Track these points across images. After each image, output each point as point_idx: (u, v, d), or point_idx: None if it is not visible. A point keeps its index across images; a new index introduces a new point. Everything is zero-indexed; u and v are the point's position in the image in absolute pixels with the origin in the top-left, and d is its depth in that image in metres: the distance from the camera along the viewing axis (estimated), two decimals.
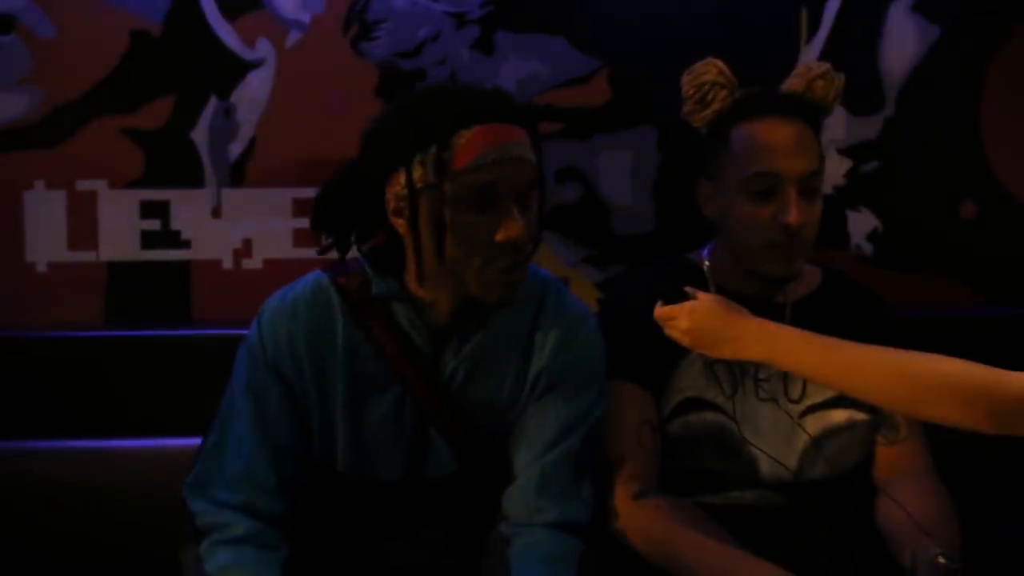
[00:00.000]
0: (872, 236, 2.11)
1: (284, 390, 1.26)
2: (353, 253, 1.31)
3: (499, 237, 1.16)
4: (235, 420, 1.27)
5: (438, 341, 1.27)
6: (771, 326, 1.19)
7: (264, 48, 1.99)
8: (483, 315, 1.26)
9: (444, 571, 1.27)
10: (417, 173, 1.16)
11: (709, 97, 1.41)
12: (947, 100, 2.10)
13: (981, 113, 2.12)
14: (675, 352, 1.39)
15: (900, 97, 2.09)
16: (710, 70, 1.41)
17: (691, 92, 1.42)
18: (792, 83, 1.43)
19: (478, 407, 1.26)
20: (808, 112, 1.40)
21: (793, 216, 1.34)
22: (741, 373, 1.41)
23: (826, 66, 1.43)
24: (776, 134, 1.36)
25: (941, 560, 1.16)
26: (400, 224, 1.21)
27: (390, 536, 1.28)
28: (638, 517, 1.31)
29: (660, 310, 1.24)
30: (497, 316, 1.27)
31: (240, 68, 1.98)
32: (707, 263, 1.48)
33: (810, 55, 2.04)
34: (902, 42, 2.08)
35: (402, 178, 1.17)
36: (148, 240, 1.98)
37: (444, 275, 1.21)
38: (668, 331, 1.24)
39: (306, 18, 1.99)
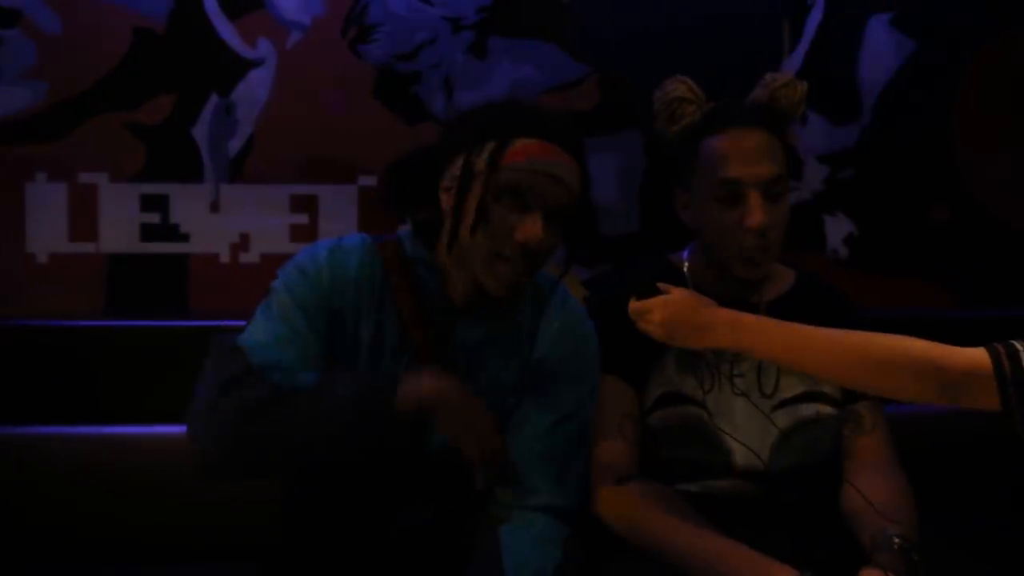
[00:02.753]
0: (848, 240, 2.18)
1: (330, 317, 1.30)
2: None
3: (517, 235, 1.25)
4: (279, 322, 1.28)
5: (453, 318, 1.33)
6: (737, 315, 1.24)
7: (265, 48, 2.02)
8: (498, 302, 1.33)
9: (438, 553, 1.31)
10: (474, 159, 1.27)
11: (678, 112, 1.47)
12: (920, 111, 2.17)
13: (952, 124, 2.20)
14: (655, 349, 1.45)
15: (876, 108, 2.16)
16: (679, 87, 1.47)
17: (661, 108, 1.49)
18: (757, 94, 1.49)
19: (480, 388, 1.32)
20: (771, 120, 1.45)
21: (756, 218, 1.40)
22: (717, 369, 1.47)
23: (788, 75, 1.48)
24: (738, 143, 1.42)
25: (896, 541, 1.23)
26: (446, 199, 1.31)
27: (385, 507, 1.32)
28: (619, 502, 1.37)
29: (634, 305, 1.28)
30: (510, 305, 1.35)
31: (241, 67, 2.01)
32: (687, 264, 1.54)
33: (791, 66, 2.11)
34: (879, 55, 2.15)
35: (461, 160, 1.28)
36: (147, 233, 2.00)
37: (467, 255, 1.29)
38: (641, 325, 1.27)
39: (306, 19, 2.03)
